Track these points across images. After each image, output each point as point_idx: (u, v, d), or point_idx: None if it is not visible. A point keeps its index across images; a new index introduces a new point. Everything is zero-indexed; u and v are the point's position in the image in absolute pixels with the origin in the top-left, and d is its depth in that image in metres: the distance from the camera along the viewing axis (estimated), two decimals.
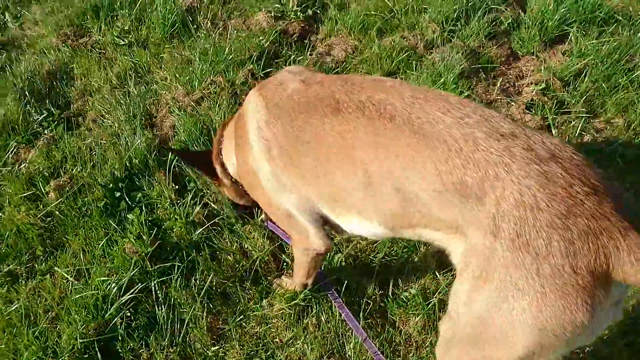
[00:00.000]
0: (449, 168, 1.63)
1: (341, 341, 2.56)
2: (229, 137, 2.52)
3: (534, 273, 1.47)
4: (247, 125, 2.18)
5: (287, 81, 2.16)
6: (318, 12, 4.29)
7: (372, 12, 4.07)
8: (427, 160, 1.67)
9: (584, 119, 3.34)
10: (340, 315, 2.58)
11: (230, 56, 3.80)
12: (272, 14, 4.20)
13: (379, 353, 2.47)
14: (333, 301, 2.62)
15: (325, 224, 2.25)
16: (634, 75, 3.47)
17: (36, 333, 2.56)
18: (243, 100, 2.38)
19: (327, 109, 1.93)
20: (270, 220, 2.85)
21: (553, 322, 1.47)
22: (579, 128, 3.30)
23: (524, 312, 1.50)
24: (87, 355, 2.49)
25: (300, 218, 2.19)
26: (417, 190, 1.73)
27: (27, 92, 3.80)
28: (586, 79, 3.49)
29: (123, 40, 4.19)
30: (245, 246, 2.93)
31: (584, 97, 3.44)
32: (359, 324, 2.55)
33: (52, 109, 3.73)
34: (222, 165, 2.60)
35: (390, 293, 2.70)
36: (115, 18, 4.39)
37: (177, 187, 3.18)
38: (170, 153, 3.22)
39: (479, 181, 1.58)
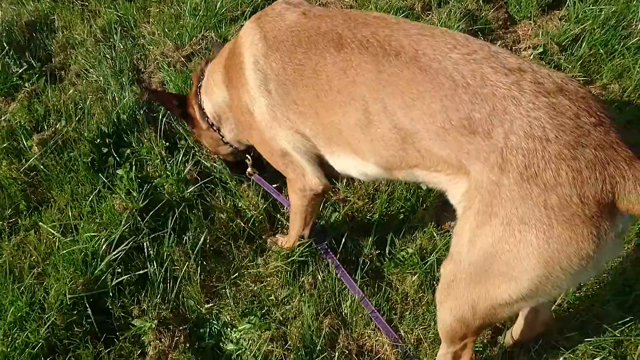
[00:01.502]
0: (456, 104, 1.61)
1: (337, 299, 2.53)
2: (213, 71, 2.41)
3: (542, 205, 1.47)
4: (242, 58, 2.09)
5: (286, 12, 2.07)
6: None
7: None
8: (433, 97, 1.65)
9: (580, 83, 3.32)
10: (337, 273, 2.55)
11: (222, 11, 3.66)
12: None
13: (376, 311, 2.45)
14: (329, 260, 2.58)
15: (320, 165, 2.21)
16: (630, 42, 3.45)
17: (22, 289, 2.46)
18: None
19: (329, 43, 1.87)
20: (258, 174, 2.78)
21: (560, 255, 1.48)
22: None
23: (531, 245, 1.50)
24: (76, 311, 2.41)
25: (296, 156, 2.14)
26: (420, 129, 1.70)
27: (4, 43, 3.61)
28: (583, 45, 3.47)
29: None
30: (239, 205, 2.86)
31: (581, 62, 3.43)
32: (356, 283, 2.52)
33: (33, 61, 3.56)
34: (200, 106, 2.50)
35: (387, 252, 2.68)
36: None
37: (167, 144, 3.07)
38: (144, 91, 3.09)
39: (486, 116, 1.56)
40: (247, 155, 2.72)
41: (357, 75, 1.80)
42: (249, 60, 2.07)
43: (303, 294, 2.53)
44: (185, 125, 2.82)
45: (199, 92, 2.51)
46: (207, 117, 2.54)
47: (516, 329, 2.28)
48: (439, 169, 1.77)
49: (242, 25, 3.56)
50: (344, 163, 2.08)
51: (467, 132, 1.60)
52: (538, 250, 1.49)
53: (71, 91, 3.35)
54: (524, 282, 1.55)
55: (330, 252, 2.58)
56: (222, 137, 2.59)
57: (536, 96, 1.53)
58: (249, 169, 2.79)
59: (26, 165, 2.95)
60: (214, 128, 2.56)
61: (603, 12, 3.58)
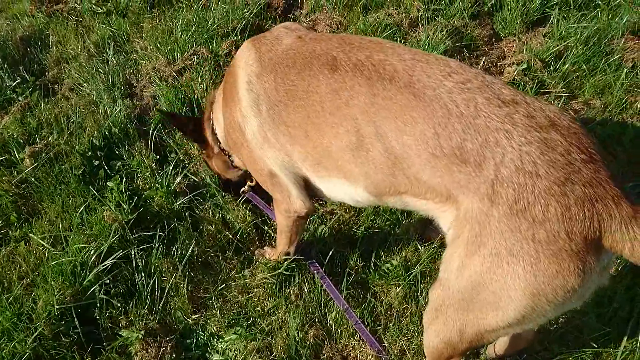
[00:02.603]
0: (448, 132, 1.62)
1: (323, 311, 2.57)
2: (219, 94, 2.46)
3: (530, 239, 1.50)
4: (237, 78, 2.13)
5: (283, 36, 2.11)
6: None
7: None
8: (426, 123, 1.66)
9: (563, 99, 3.40)
10: (323, 285, 2.59)
11: (214, 27, 3.73)
12: None
13: (360, 322, 2.49)
14: (315, 272, 2.62)
15: (306, 188, 2.24)
16: (611, 59, 3.54)
17: (10, 299, 2.49)
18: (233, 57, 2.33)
19: (323, 65, 1.89)
20: (253, 192, 2.83)
21: (546, 287, 1.51)
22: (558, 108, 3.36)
23: (518, 277, 1.52)
24: (63, 322, 2.44)
25: (284, 178, 2.17)
26: (411, 154, 1.71)
27: None
28: (566, 61, 3.55)
29: (101, 8, 4.07)
30: (228, 217, 2.91)
31: (564, 79, 3.50)
32: (341, 294, 2.56)
33: (27, 75, 3.61)
34: (213, 130, 2.54)
35: (372, 264, 2.72)
36: None
37: (157, 157, 3.12)
38: (159, 114, 3.12)
39: (479, 146, 1.58)
40: (248, 182, 2.78)
41: (350, 97, 1.81)
42: (242, 80, 2.11)
43: (289, 305, 2.57)
44: (196, 146, 2.86)
45: (212, 117, 2.54)
46: (219, 142, 2.56)
47: (499, 344, 2.31)
48: (428, 197, 1.79)
49: (234, 42, 3.65)
50: (333, 187, 2.10)
51: (458, 160, 1.61)
52: (525, 282, 1.52)
53: (66, 107, 3.40)
54: (511, 311, 1.59)
55: (316, 264, 2.62)
56: (232, 161, 2.61)
57: (528, 130, 1.54)
58: (244, 187, 2.82)
59: (18, 178, 2.99)
60: (225, 152, 2.59)
61: (586, 30, 3.67)
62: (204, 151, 2.72)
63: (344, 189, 2.05)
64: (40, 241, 2.70)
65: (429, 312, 1.84)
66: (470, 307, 1.67)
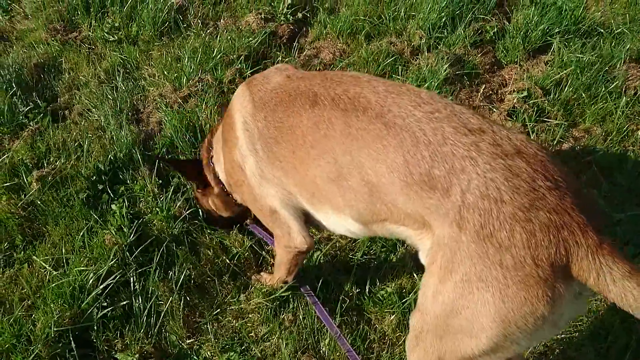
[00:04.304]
0: (417, 160, 1.67)
1: (316, 337, 2.58)
2: (217, 141, 2.54)
3: (497, 264, 1.51)
4: (234, 120, 2.22)
5: (272, 76, 2.21)
6: (308, 15, 4.34)
7: (361, 17, 4.13)
8: (396, 151, 1.72)
9: (563, 127, 3.40)
10: (315, 311, 2.60)
11: (219, 55, 3.83)
12: (262, 15, 4.25)
13: (352, 350, 2.49)
14: (307, 298, 2.64)
15: (308, 222, 2.29)
16: (612, 87, 3.54)
17: (10, 321, 2.55)
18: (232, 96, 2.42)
19: (305, 101, 1.98)
20: (255, 223, 2.88)
21: (515, 314, 1.51)
22: (559, 136, 3.37)
23: (487, 303, 1.53)
24: (61, 344, 2.48)
25: (284, 214, 2.23)
26: (385, 182, 1.76)
27: (13, 84, 3.80)
28: (567, 89, 3.56)
29: (113, 37, 4.21)
30: (226, 242, 2.95)
31: (565, 106, 3.51)
32: (335, 321, 2.57)
33: (39, 101, 3.74)
34: (214, 172, 2.62)
35: (367, 291, 2.73)
36: (105, 14, 4.40)
37: (160, 181, 3.19)
38: (158, 161, 3.19)
39: (445, 173, 1.62)
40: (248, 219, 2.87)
41: (327, 129, 1.89)
42: (239, 121, 2.20)
43: (283, 331, 2.58)
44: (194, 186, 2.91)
45: (212, 163, 2.63)
46: (222, 183, 2.63)
47: None
48: (406, 223, 1.83)
49: (238, 69, 3.74)
50: (328, 218, 2.15)
51: (427, 187, 1.66)
52: (494, 308, 1.52)
53: (75, 133, 3.51)
54: (484, 339, 1.59)
55: (308, 288, 2.64)
56: (235, 200, 2.66)
57: (493, 158, 1.58)
58: (247, 220, 2.91)
59: (24, 200, 3.08)
60: (226, 192, 2.66)
61: (587, 58, 3.68)
62: (199, 190, 2.79)
63: (336, 220, 2.11)
64: (43, 263, 2.76)
65: (410, 339, 1.86)
66: (447, 334, 1.68)
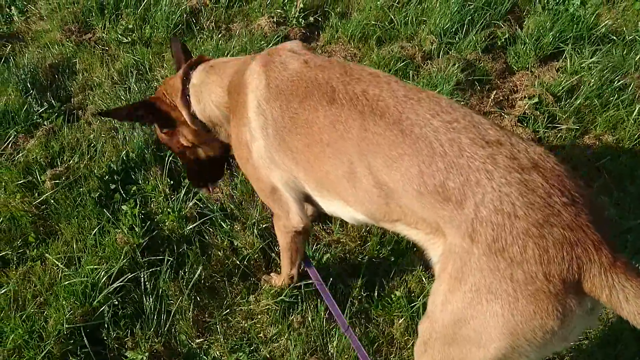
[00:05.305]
0: (432, 171, 1.67)
1: (325, 340, 2.59)
2: (207, 83, 2.41)
3: (508, 278, 1.51)
4: (246, 99, 2.20)
5: (289, 60, 2.16)
6: (319, 19, 4.37)
7: (373, 22, 4.15)
8: (411, 161, 1.71)
9: (574, 133, 3.40)
10: (325, 312, 2.61)
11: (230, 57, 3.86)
12: (275, 19, 4.28)
13: (359, 344, 2.41)
14: (318, 288, 2.57)
15: (307, 201, 2.31)
16: (624, 94, 3.53)
17: (23, 317, 2.58)
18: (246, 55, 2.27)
19: (322, 96, 1.96)
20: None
21: (524, 327, 1.51)
22: (570, 143, 3.36)
23: (496, 315, 1.54)
24: (72, 341, 2.51)
25: (285, 193, 2.25)
26: (399, 189, 1.77)
27: (28, 84, 3.85)
28: (578, 96, 3.56)
29: (126, 38, 4.25)
30: (236, 244, 2.97)
31: (576, 113, 3.51)
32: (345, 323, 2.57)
33: (53, 101, 3.78)
34: (189, 109, 2.46)
35: (375, 295, 2.74)
36: (119, 16, 4.46)
37: (171, 182, 3.22)
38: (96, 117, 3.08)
39: (460, 186, 1.62)
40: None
41: (344, 130, 1.88)
42: (252, 103, 2.18)
43: (291, 333, 2.60)
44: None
45: (187, 96, 2.46)
46: (198, 119, 2.49)
47: None
48: (419, 227, 1.84)
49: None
50: (333, 207, 2.17)
51: (440, 198, 1.65)
52: (503, 320, 1.52)
53: (88, 132, 3.55)
54: (492, 350, 1.59)
55: (315, 270, 2.56)
56: (216, 134, 2.55)
57: (509, 172, 1.57)
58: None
59: (39, 200, 3.12)
60: (206, 129, 2.54)
61: (599, 65, 3.68)
62: (164, 132, 2.61)
63: (343, 210, 2.14)
64: (55, 261, 2.80)
65: (419, 346, 1.86)
66: (455, 343, 1.68)
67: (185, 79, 2.48)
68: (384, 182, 1.81)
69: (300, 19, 4.29)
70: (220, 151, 2.69)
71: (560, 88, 3.62)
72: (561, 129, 3.45)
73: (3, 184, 3.24)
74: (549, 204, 1.52)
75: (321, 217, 3.07)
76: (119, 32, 4.29)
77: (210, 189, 2.91)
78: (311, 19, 4.33)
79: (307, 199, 2.30)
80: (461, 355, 1.69)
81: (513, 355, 1.58)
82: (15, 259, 2.91)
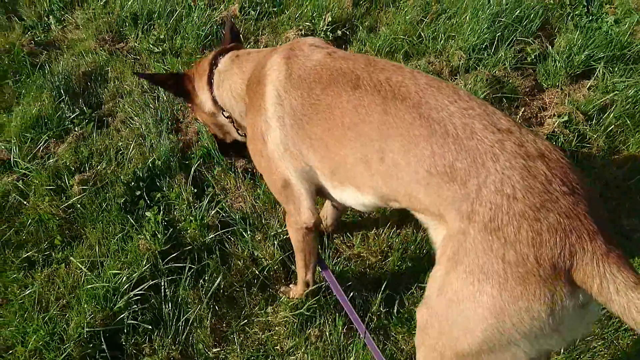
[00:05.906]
0: (443, 152, 1.71)
1: (342, 355, 2.56)
2: (231, 74, 2.49)
3: (500, 258, 1.52)
4: (265, 89, 2.22)
5: (313, 52, 2.20)
6: (347, 33, 4.39)
7: (401, 37, 4.15)
8: (426, 142, 1.76)
9: (605, 153, 3.31)
10: (343, 327, 2.58)
11: None
12: (303, 32, 4.31)
13: (377, 350, 2.34)
14: (334, 291, 2.53)
15: (319, 194, 2.33)
16: None
17: (46, 319, 2.62)
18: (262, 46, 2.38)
19: (347, 83, 2.00)
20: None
21: (510, 308, 1.51)
22: (600, 162, 3.28)
23: (486, 294, 1.53)
24: (92, 345, 2.54)
25: (298, 188, 2.28)
26: (411, 171, 1.80)
27: (62, 91, 3.96)
28: (610, 115, 3.47)
29: (157, 48, 4.34)
30: (256, 254, 2.97)
31: (607, 133, 3.42)
32: (361, 341, 2.53)
33: (85, 107, 3.88)
34: (211, 92, 2.57)
35: (395, 311, 2.69)
36: (152, 27, 4.56)
37: (195, 190, 3.25)
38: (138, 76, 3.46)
39: (467, 166, 1.66)
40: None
41: (366, 114, 1.92)
42: (271, 93, 2.20)
43: (308, 346, 2.57)
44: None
45: (212, 80, 2.57)
46: (217, 103, 2.61)
47: None
48: (426, 213, 1.87)
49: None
50: (344, 194, 2.19)
51: (447, 178, 1.70)
52: (492, 300, 1.53)
53: (116, 139, 3.62)
54: (478, 332, 1.57)
55: (330, 272, 2.56)
56: (233, 120, 2.65)
57: (515, 157, 1.61)
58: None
59: (66, 204, 3.19)
60: (224, 114, 2.65)
61: (632, 84, 3.59)
62: (189, 104, 2.83)
63: (354, 196, 2.16)
64: (79, 264, 2.84)
65: (417, 334, 1.84)
66: (448, 327, 1.66)
67: (214, 63, 2.57)
68: (399, 165, 1.84)
69: (329, 32, 4.31)
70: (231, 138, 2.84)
71: (591, 107, 3.55)
72: (592, 149, 3.37)
73: (33, 187, 3.33)
74: (549, 190, 1.54)
75: (342, 229, 3.06)
76: (151, 42, 4.38)
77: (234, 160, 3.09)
78: (339, 32, 4.35)
79: (318, 191, 2.32)
80: (452, 343, 1.66)
81: (501, 340, 1.55)
82: (40, 260, 2.97)
